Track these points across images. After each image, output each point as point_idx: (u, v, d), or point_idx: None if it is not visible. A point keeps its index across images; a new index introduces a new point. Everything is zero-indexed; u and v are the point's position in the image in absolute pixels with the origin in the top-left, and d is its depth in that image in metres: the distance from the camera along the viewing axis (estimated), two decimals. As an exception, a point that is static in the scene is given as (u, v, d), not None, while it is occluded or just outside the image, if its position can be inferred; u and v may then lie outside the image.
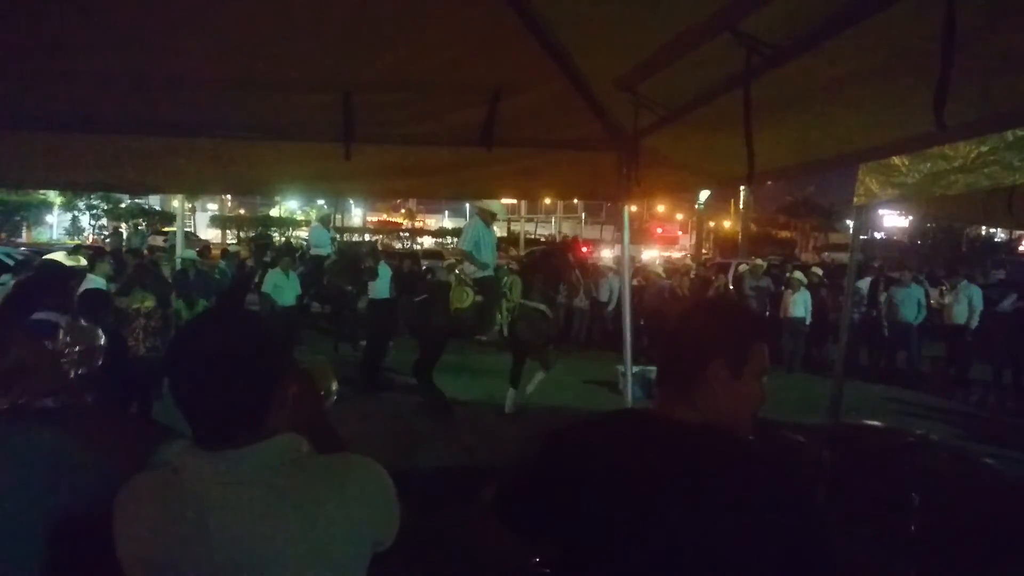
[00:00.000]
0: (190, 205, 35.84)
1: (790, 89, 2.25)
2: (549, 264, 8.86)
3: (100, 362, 2.36)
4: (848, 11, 1.78)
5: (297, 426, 1.39)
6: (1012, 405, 10.51)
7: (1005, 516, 2.67)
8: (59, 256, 9.88)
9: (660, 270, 17.10)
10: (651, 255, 29.14)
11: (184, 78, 2.89)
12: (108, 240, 20.71)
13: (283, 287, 11.15)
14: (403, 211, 55.37)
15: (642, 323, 11.53)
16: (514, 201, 38.29)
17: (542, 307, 8.30)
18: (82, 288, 6.61)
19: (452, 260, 14.18)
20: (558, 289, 8.67)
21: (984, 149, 2.94)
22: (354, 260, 12.22)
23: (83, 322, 3.14)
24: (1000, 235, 35.21)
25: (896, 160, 3.41)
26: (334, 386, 1.95)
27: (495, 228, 9.01)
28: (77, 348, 2.09)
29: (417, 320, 8.39)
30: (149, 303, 8.35)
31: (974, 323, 11.47)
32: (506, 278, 8.51)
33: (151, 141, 3.41)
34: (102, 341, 2.41)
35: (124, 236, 25.63)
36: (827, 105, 2.23)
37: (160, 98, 3.05)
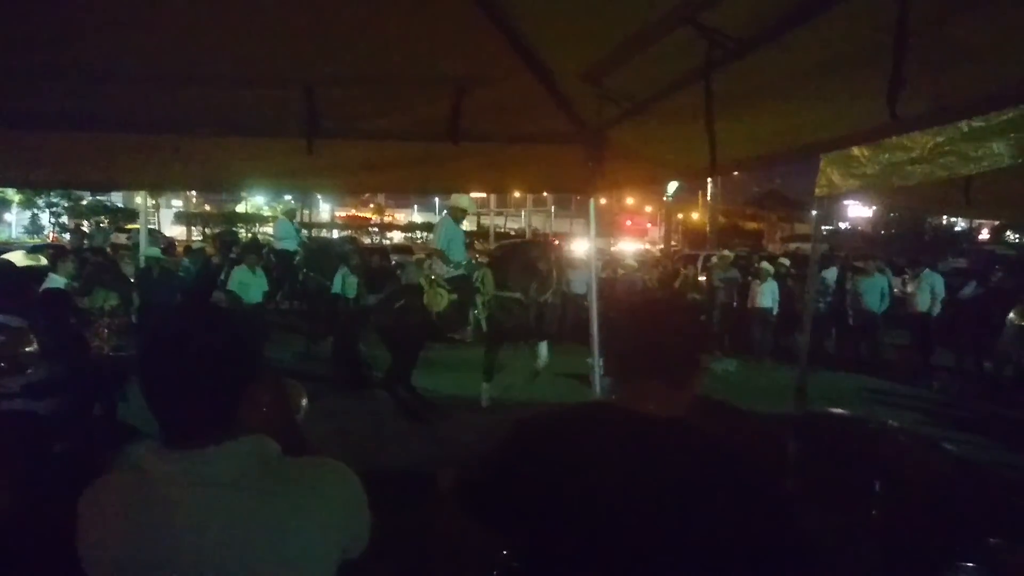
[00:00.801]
0: (154, 201, 35.15)
1: (750, 82, 2.27)
2: (521, 258, 8.82)
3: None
4: (805, 5, 1.81)
5: (269, 432, 1.36)
6: (973, 390, 10.74)
7: (962, 499, 2.73)
8: (15, 256, 9.66)
9: (631, 262, 17.18)
10: (630, 248, 29.29)
11: (144, 74, 2.84)
12: (69, 238, 20.27)
13: (249, 284, 11.00)
14: (372, 206, 54.95)
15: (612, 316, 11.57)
16: (484, 195, 38.23)
17: (517, 295, 8.27)
18: (42, 288, 6.48)
19: (421, 255, 14.04)
20: (530, 282, 8.63)
21: (940, 140, 2.99)
22: (331, 255, 12.08)
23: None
24: (960, 224, 35.96)
25: (856, 151, 3.46)
26: (303, 402, 1.94)
27: (465, 222, 8.97)
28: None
29: (395, 328, 8.21)
30: (113, 302, 8.22)
31: (936, 310, 11.68)
32: (477, 272, 8.46)
33: (111, 138, 3.35)
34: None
35: (87, 234, 25.15)
36: (786, 97, 2.26)
37: (120, 94, 3.00)
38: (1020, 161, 2.78)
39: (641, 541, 1.35)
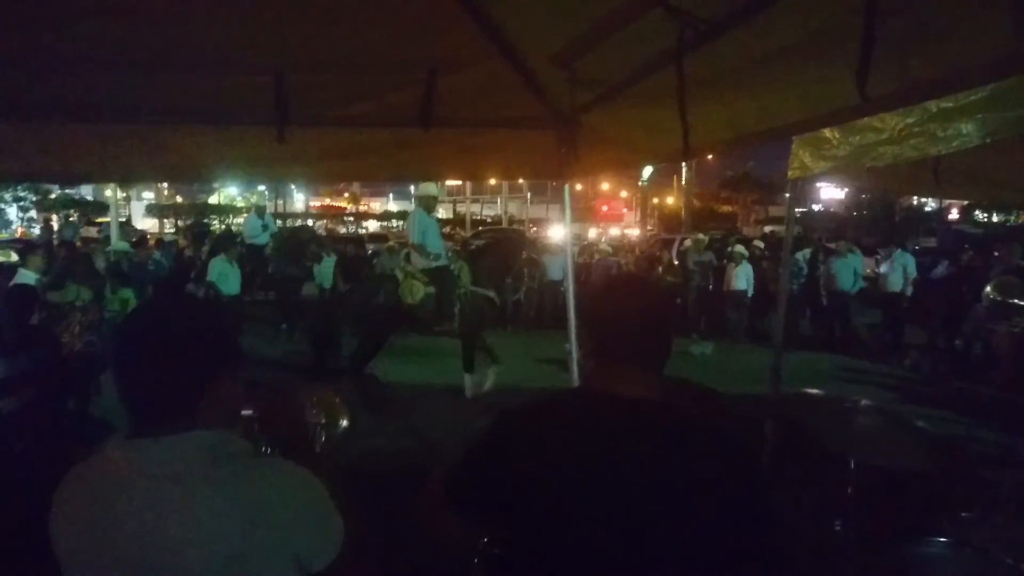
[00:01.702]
0: (124, 194, 34.70)
1: (722, 64, 2.27)
2: (498, 254, 8.81)
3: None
4: (775, -15, 1.81)
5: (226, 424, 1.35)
6: (944, 367, 10.93)
7: (934, 475, 2.78)
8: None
9: (607, 247, 17.24)
10: (606, 232, 29.39)
11: (110, 61, 2.78)
12: (38, 233, 19.94)
13: (228, 275, 10.91)
14: (347, 195, 54.56)
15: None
16: (459, 182, 38.06)
17: (491, 294, 8.26)
18: (11, 284, 6.38)
19: (393, 243, 13.88)
20: (505, 277, 8.64)
21: (910, 121, 3.02)
22: (298, 246, 12.04)
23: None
24: (931, 204, 36.47)
25: (828, 133, 3.49)
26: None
27: (439, 210, 8.94)
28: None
29: (367, 319, 8.19)
30: (85, 296, 8.10)
31: (909, 290, 11.86)
32: (455, 264, 8.42)
33: (77, 128, 3.28)
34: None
35: (55, 228, 24.73)
36: (758, 79, 2.27)
37: (85, 82, 2.94)
38: (988, 141, 2.81)
39: (624, 522, 1.35)
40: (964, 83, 1.97)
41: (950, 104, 2.82)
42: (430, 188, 8.52)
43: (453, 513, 1.60)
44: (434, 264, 8.16)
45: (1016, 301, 4.53)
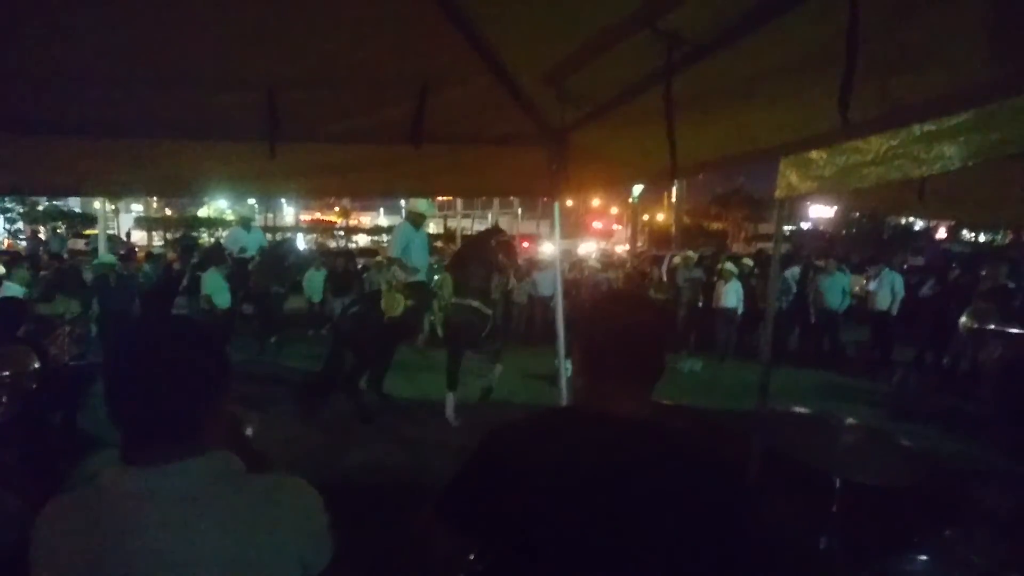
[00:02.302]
0: (113, 206, 34.52)
1: (709, 85, 2.31)
2: (476, 256, 8.57)
3: (34, 386, 2.27)
4: (759, 11, 1.84)
5: (228, 447, 1.35)
6: (931, 385, 10.98)
7: (918, 493, 2.80)
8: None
9: (596, 263, 17.29)
10: (596, 248, 29.44)
11: (103, 77, 2.79)
12: (25, 244, 19.82)
13: (222, 288, 10.86)
14: (337, 209, 54.52)
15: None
16: (450, 197, 38.06)
17: (475, 303, 8.17)
18: (-2, 296, 6.35)
19: (382, 258, 13.79)
20: (491, 282, 8.49)
21: (894, 143, 3.05)
22: (278, 260, 11.99)
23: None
24: (919, 223, 36.71)
25: (814, 154, 3.52)
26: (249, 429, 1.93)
27: (430, 225, 8.85)
28: (5, 373, 1.98)
29: (352, 332, 8.11)
30: (75, 309, 8.06)
31: (896, 308, 11.94)
32: (436, 276, 8.35)
33: (67, 142, 3.28)
34: (36, 365, 2.32)
35: (43, 240, 24.59)
36: (744, 101, 2.30)
37: (76, 97, 2.95)
38: (970, 163, 2.85)
39: (611, 542, 1.36)
40: (945, 109, 2.01)
41: (932, 127, 2.85)
42: (420, 204, 8.46)
43: (443, 532, 1.59)
44: (412, 278, 8.14)
45: (991, 327, 4.59)
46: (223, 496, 1.25)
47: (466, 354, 8.33)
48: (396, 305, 7.89)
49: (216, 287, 10.75)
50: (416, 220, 8.42)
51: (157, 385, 1.24)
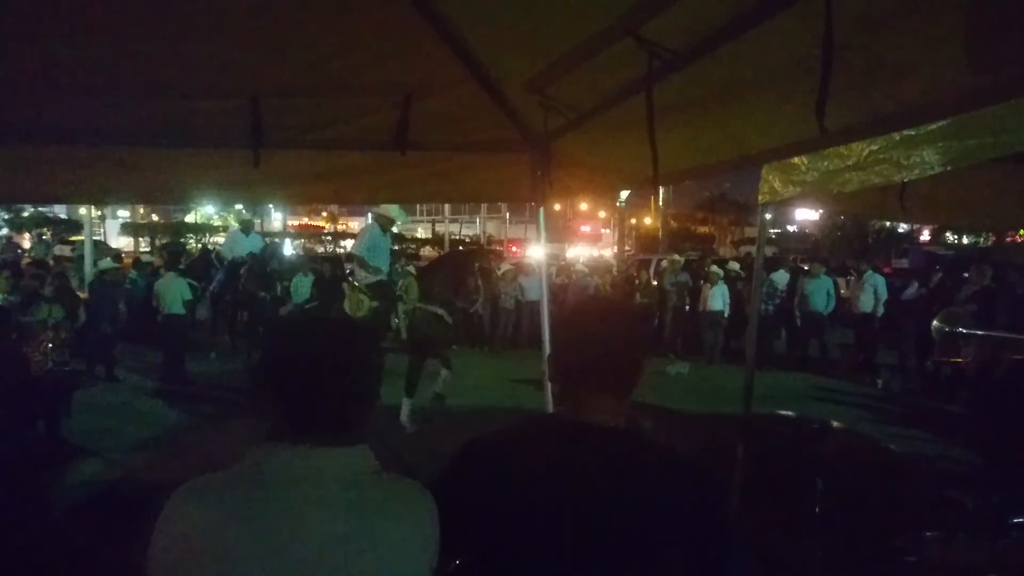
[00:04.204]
0: (99, 212, 34.30)
1: (690, 93, 2.32)
2: (448, 269, 8.70)
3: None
4: (738, 20, 1.86)
5: None
6: (915, 387, 11.07)
7: (901, 495, 2.83)
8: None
9: (584, 267, 17.32)
10: (583, 253, 29.49)
11: (86, 84, 2.78)
12: (3, 251, 19.63)
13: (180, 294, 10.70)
14: (325, 214, 54.36)
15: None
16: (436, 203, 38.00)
17: (439, 311, 8.16)
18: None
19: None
20: (457, 293, 8.51)
21: (875, 148, 3.09)
22: (263, 266, 11.95)
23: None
24: (903, 226, 37.02)
25: (796, 159, 3.55)
26: None
27: (396, 229, 8.86)
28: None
29: None
30: (57, 314, 7.98)
31: (879, 311, 12.03)
32: (401, 281, 8.38)
33: (50, 150, 3.26)
34: None
35: (27, 247, 24.39)
36: (724, 109, 2.32)
37: (59, 104, 2.93)
38: (949, 168, 2.89)
39: (589, 551, 1.36)
40: (923, 117, 2.03)
41: (913, 132, 2.89)
42: (392, 210, 8.52)
43: None
44: (375, 278, 8.19)
45: (962, 330, 4.63)
46: (376, 490, 1.32)
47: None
48: (360, 306, 7.89)
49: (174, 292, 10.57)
50: (385, 224, 8.52)
51: (349, 376, 1.33)
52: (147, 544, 1.24)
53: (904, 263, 25.07)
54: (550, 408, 4.38)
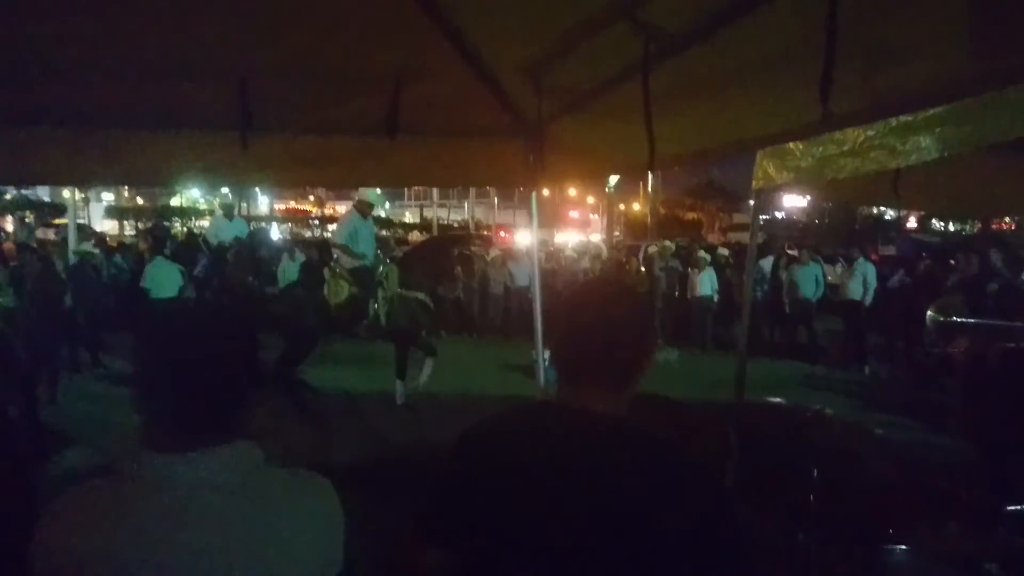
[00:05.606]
0: (83, 195, 33.94)
1: (687, 77, 2.29)
2: (428, 255, 8.68)
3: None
4: (738, 2, 1.83)
5: None
6: (904, 375, 11.14)
7: (891, 483, 2.83)
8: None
9: (573, 253, 17.30)
10: (572, 239, 29.48)
11: (71, 65, 2.72)
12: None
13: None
14: (311, 198, 54.01)
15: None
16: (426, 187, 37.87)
17: (420, 296, 8.14)
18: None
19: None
20: (437, 280, 8.49)
21: (870, 134, 3.07)
22: (252, 251, 11.88)
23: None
24: (890, 213, 37.22)
25: (791, 145, 3.53)
26: None
27: (383, 213, 8.83)
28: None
29: (287, 316, 7.85)
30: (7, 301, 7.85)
31: (869, 299, 12.06)
32: (382, 267, 8.31)
33: (34, 131, 3.21)
34: None
35: (10, 230, 24.12)
36: (722, 93, 2.29)
37: (45, 86, 2.87)
38: (945, 155, 2.87)
39: (587, 542, 1.34)
40: (924, 102, 2.01)
41: (909, 118, 2.87)
42: (369, 195, 8.48)
43: (426, 545, 1.55)
44: (358, 263, 8.14)
45: (956, 319, 4.65)
46: (254, 489, 1.25)
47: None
48: (340, 292, 7.84)
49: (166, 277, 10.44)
50: (364, 210, 8.47)
51: (195, 370, 1.24)
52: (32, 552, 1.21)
53: (891, 250, 25.19)
54: (540, 394, 4.37)
